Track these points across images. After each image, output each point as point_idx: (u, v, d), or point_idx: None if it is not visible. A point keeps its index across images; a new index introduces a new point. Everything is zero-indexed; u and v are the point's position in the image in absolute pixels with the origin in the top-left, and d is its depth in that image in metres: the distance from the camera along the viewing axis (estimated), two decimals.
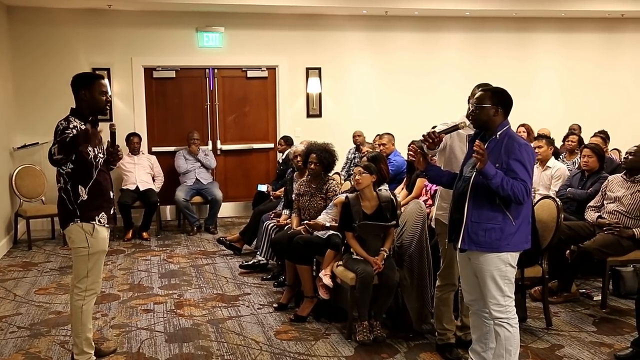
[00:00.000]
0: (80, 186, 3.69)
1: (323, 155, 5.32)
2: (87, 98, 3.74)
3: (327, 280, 4.59)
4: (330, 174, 5.56)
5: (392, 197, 4.62)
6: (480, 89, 3.67)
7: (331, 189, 5.30)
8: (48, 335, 4.53)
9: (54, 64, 8.09)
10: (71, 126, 3.63)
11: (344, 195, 4.78)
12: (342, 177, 7.05)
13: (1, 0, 7.57)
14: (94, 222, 3.73)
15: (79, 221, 3.71)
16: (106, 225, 3.83)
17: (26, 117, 8.01)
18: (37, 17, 8.01)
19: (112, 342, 4.37)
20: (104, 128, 3.85)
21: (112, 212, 3.91)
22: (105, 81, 3.90)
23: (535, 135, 7.91)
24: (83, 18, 8.17)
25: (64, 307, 5.05)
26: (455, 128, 3.53)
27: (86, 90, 3.73)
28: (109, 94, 3.95)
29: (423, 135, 3.49)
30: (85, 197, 3.70)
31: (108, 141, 3.84)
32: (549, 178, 6.14)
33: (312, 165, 5.32)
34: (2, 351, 4.24)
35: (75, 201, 3.70)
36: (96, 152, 3.76)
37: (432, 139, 3.46)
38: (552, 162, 6.22)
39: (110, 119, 7.63)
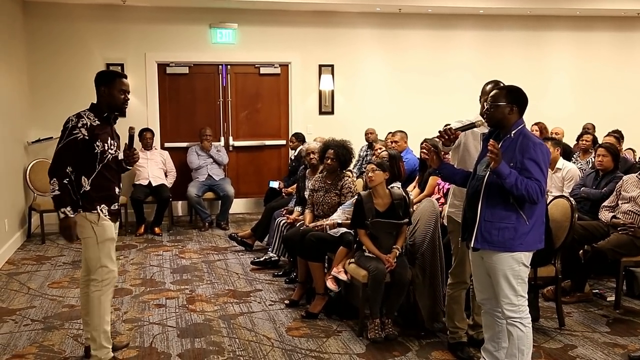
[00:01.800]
0: (83, 177, 3.72)
1: (340, 152, 5.33)
2: (105, 95, 3.79)
3: (342, 276, 4.59)
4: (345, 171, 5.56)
5: (404, 194, 4.61)
6: (492, 85, 3.66)
7: (346, 185, 5.30)
8: (61, 328, 4.57)
9: (69, 58, 8.16)
10: (80, 124, 3.67)
11: None
12: (354, 175, 7.03)
13: None
14: (96, 211, 3.73)
15: (81, 211, 3.73)
16: (107, 217, 3.81)
17: (40, 112, 8.05)
18: (52, 12, 8.06)
19: (124, 336, 4.40)
20: (122, 126, 3.85)
21: (115, 207, 3.85)
22: (127, 80, 3.90)
23: (550, 134, 7.87)
24: (97, 13, 8.21)
25: (77, 301, 5.08)
26: (471, 126, 3.51)
27: (106, 87, 3.79)
28: (129, 93, 3.94)
29: (439, 132, 3.47)
30: (88, 187, 3.72)
31: (125, 143, 3.86)
32: (560, 180, 6.09)
33: (329, 161, 5.32)
34: (16, 344, 4.28)
35: (77, 191, 3.73)
36: (105, 148, 3.75)
37: (448, 136, 3.45)
38: (561, 163, 6.15)
39: (124, 115, 7.62)
